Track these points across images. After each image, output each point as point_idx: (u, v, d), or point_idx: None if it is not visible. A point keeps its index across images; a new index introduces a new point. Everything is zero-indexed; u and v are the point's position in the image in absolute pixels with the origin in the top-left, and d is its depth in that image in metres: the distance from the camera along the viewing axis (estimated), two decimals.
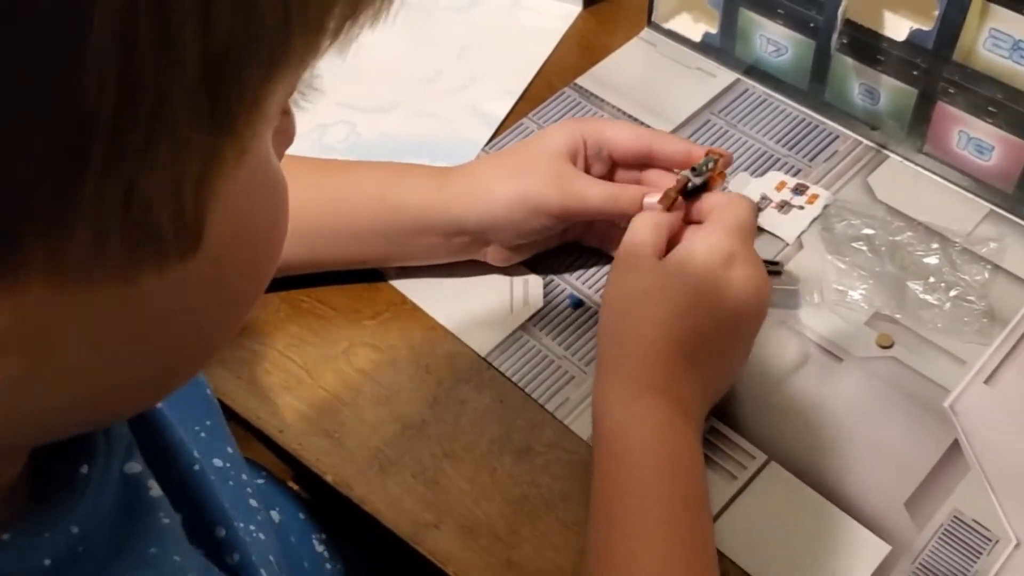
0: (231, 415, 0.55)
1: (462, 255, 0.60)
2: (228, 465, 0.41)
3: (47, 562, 0.27)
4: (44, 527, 0.27)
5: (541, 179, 0.56)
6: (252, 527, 0.39)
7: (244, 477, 0.42)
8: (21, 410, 0.24)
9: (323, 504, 0.56)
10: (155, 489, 0.32)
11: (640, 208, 0.56)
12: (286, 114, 0.29)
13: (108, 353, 0.25)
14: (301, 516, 0.54)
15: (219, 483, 0.37)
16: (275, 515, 0.51)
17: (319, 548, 0.56)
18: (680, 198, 0.56)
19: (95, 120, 0.19)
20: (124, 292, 0.22)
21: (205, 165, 0.21)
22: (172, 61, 0.19)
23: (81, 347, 0.24)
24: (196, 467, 0.36)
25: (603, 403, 0.49)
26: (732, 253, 0.51)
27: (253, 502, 0.42)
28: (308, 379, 0.56)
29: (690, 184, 0.56)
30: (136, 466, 0.32)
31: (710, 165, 0.56)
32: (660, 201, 0.55)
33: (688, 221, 0.57)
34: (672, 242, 0.54)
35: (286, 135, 0.30)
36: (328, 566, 0.55)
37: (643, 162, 0.60)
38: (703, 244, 0.51)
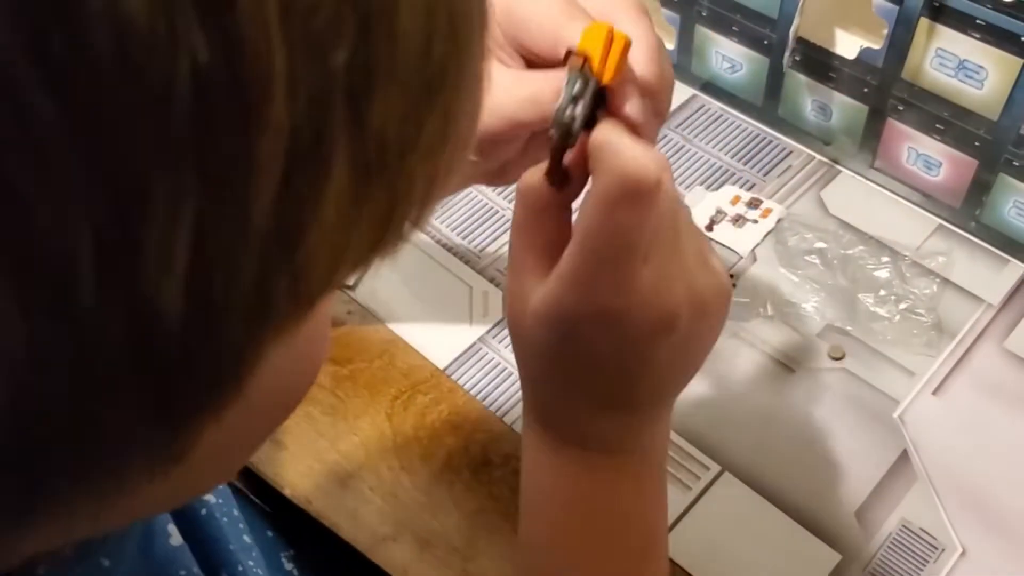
0: None
1: None
2: (220, 501, 0.40)
3: None
4: (77, 561, 0.28)
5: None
6: (251, 562, 0.39)
7: (235, 512, 0.41)
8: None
9: (288, 520, 0.56)
10: (175, 537, 0.32)
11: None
12: None
13: (145, 501, 0.24)
14: (269, 534, 0.54)
15: (219, 521, 0.37)
16: (246, 539, 0.51)
17: (288, 566, 0.56)
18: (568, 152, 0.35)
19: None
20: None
21: (264, 348, 0.19)
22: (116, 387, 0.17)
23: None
24: (203, 511, 0.35)
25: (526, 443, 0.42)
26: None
27: (246, 538, 0.41)
28: None
29: (569, 138, 0.34)
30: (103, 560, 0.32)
31: (577, 87, 0.34)
32: (545, 176, 0.36)
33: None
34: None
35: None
36: None
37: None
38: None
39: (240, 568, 0.36)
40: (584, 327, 0.34)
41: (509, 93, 0.37)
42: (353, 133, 0.17)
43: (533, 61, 0.39)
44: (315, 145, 0.17)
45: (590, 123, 0.34)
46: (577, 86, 0.33)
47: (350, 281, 0.22)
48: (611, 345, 0.34)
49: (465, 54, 0.20)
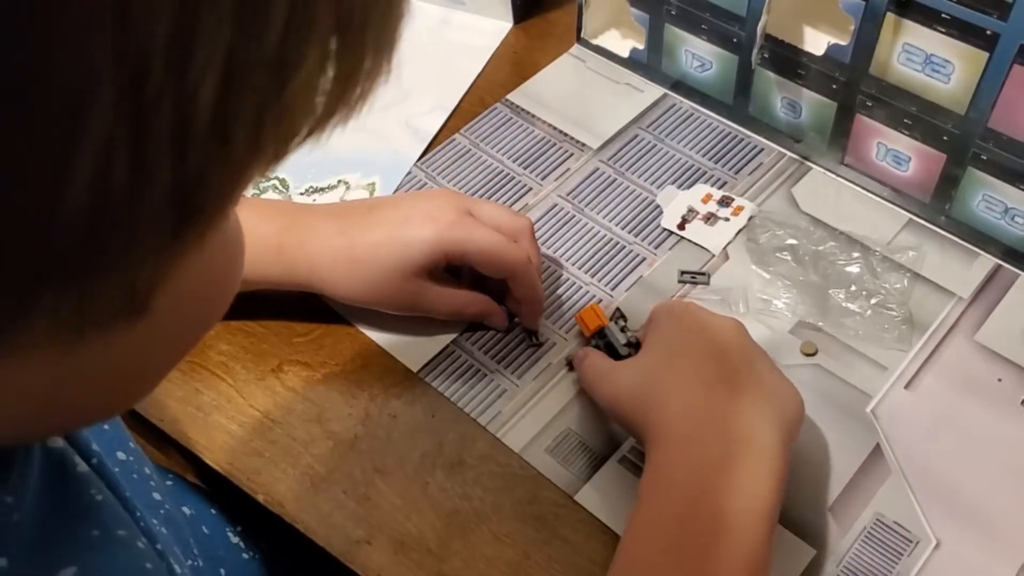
0: (163, 437, 0.54)
1: None
2: (131, 459, 0.41)
3: None
4: None
5: (390, 295, 0.57)
6: (155, 520, 0.39)
7: (147, 471, 0.42)
8: None
9: (237, 504, 0.55)
10: (81, 465, 0.33)
11: (486, 311, 0.59)
12: None
13: (45, 395, 0.26)
14: (212, 511, 0.54)
15: (123, 476, 0.37)
16: (186, 510, 0.51)
17: (234, 539, 0.56)
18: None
19: (64, 246, 0.20)
20: (65, 350, 0.23)
21: (164, 263, 0.22)
22: (143, 190, 0.20)
23: (24, 388, 0.25)
24: (94, 460, 0.35)
25: (649, 455, 0.48)
26: (688, 308, 0.53)
27: (156, 495, 0.42)
28: (238, 398, 0.56)
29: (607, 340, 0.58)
30: (59, 441, 0.33)
31: (604, 334, 0.58)
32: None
33: None
34: None
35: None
36: (245, 555, 0.55)
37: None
38: (668, 316, 0.54)
39: (142, 523, 0.36)
40: None
41: (443, 306, 0.58)
42: None
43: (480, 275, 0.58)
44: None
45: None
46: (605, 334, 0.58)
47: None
48: None
49: None
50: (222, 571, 0.41)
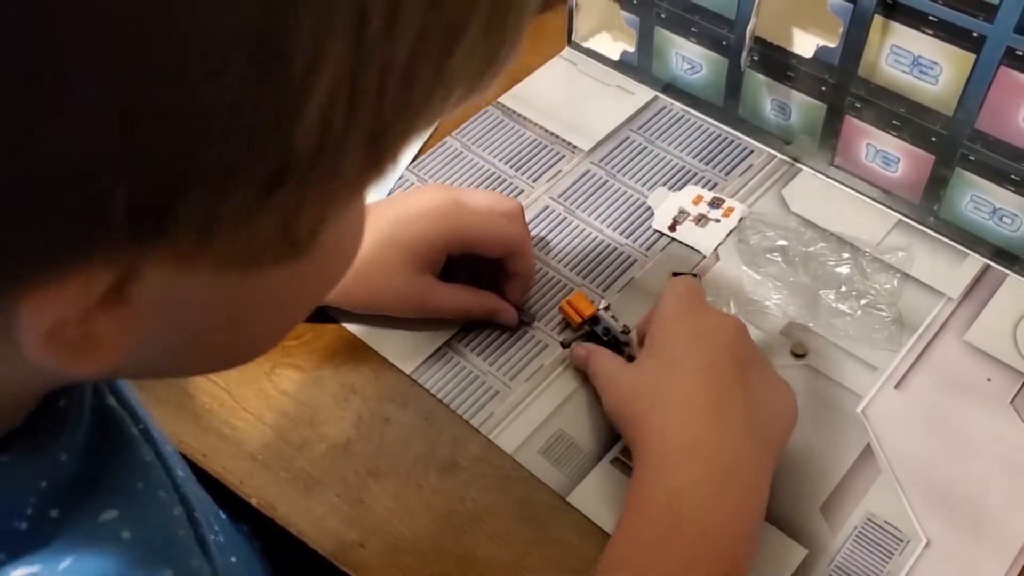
0: None
1: None
2: (184, 475, 0.42)
3: (43, 484, 0.30)
4: (37, 452, 0.31)
5: (399, 297, 0.59)
6: (186, 490, 0.39)
7: (170, 449, 0.43)
8: (121, 365, 0.28)
9: (255, 530, 0.56)
10: (134, 428, 0.35)
11: (495, 308, 0.60)
12: None
13: (205, 327, 0.30)
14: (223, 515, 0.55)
15: (161, 445, 0.39)
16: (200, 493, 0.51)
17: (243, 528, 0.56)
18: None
19: (295, 161, 0.23)
20: (240, 280, 0.27)
21: (349, 195, 0.28)
22: (354, 126, 0.24)
23: (189, 319, 0.28)
24: (141, 425, 0.37)
25: (635, 469, 0.49)
26: (691, 306, 0.54)
27: (180, 472, 0.42)
28: (231, 401, 0.56)
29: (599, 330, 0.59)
30: (112, 400, 0.35)
31: (599, 324, 0.59)
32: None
33: None
34: None
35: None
36: (254, 544, 0.56)
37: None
38: (661, 313, 0.54)
39: (180, 491, 0.37)
40: None
41: (449, 303, 0.60)
42: None
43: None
44: None
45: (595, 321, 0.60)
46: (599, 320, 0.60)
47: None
48: None
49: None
50: (233, 559, 0.41)
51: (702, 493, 0.47)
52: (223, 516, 0.52)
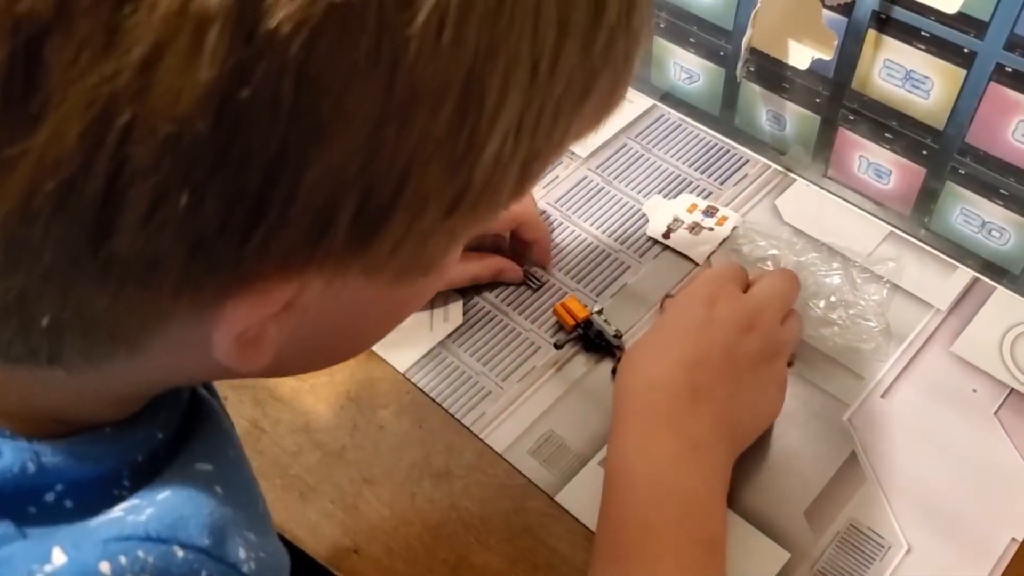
0: None
1: None
2: None
3: (139, 457, 0.33)
4: (136, 429, 0.33)
5: None
6: None
7: None
8: (268, 365, 0.30)
9: None
10: (227, 422, 0.39)
11: (501, 267, 0.64)
12: None
13: (333, 331, 0.33)
14: None
15: None
16: None
17: None
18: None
19: (470, 191, 0.27)
20: (378, 291, 0.30)
21: (465, 232, 0.30)
22: (515, 160, 0.27)
23: (325, 323, 0.31)
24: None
25: (612, 440, 0.52)
26: (711, 294, 0.55)
27: None
28: (227, 408, 0.57)
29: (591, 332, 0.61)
30: (203, 391, 0.38)
31: (594, 326, 0.61)
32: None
33: None
34: None
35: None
36: None
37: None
38: (683, 292, 0.58)
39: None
40: None
41: (459, 275, 0.63)
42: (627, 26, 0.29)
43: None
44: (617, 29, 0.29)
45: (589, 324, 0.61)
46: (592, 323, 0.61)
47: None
48: None
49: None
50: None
51: (680, 466, 0.50)
52: None
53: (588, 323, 0.61)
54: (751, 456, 0.56)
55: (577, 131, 0.31)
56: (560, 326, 0.62)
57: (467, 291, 0.64)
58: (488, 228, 0.62)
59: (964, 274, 0.64)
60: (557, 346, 0.61)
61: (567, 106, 0.28)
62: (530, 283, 0.64)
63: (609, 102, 0.31)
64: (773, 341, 0.55)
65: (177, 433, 0.35)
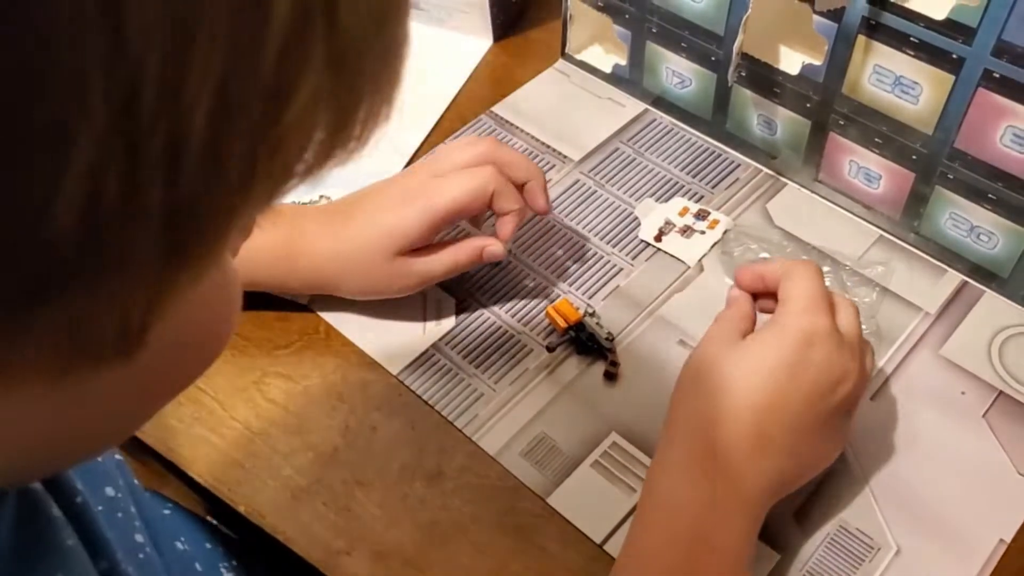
0: (143, 448, 0.56)
1: None
2: (119, 496, 0.41)
3: None
4: None
5: (384, 280, 0.60)
6: (130, 568, 0.38)
7: (132, 510, 0.42)
8: None
9: (237, 536, 0.57)
10: (55, 509, 0.33)
11: (480, 256, 0.60)
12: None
13: (52, 428, 0.26)
14: (208, 545, 0.55)
15: (107, 514, 0.37)
16: (179, 545, 0.52)
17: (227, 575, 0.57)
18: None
19: (56, 263, 0.19)
20: (54, 386, 0.23)
21: (158, 292, 0.22)
22: (136, 216, 0.20)
23: (34, 421, 0.25)
24: (79, 499, 0.35)
25: (658, 459, 0.50)
26: (812, 331, 0.50)
27: (138, 537, 0.41)
28: (220, 410, 0.58)
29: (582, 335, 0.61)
30: (36, 484, 0.33)
31: (586, 328, 0.61)
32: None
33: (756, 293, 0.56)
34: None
35: (245, 231, 0.29)
36: None
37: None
38: (780, 326, 0.50)
39: (115, 563, 0.36)
40: None
41: (437, 267, 0.59)
42: (329, 23, 0.21)
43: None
44: (302, 29, 0.20)
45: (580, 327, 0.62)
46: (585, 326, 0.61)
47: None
48: None
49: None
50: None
51: (716, 509, 0.47)
52: (198, 568, 0.52)
53: (580, 326, 0.61)
54: None
55: (284, 176, 0.23)
56: (552, 329, 0.62)
57: (459, 292, 0.64)
58: (463, 218, 0.60)
59: (953, 278, 0.65)
60: (550, 349, 0.61)
61: (234, 139, 0.21)
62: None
63: (338, 131, 0.23)
64: (857, 397, 0.51)
65: (9, 546, 0.29)
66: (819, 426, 0.49)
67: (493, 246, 0.60)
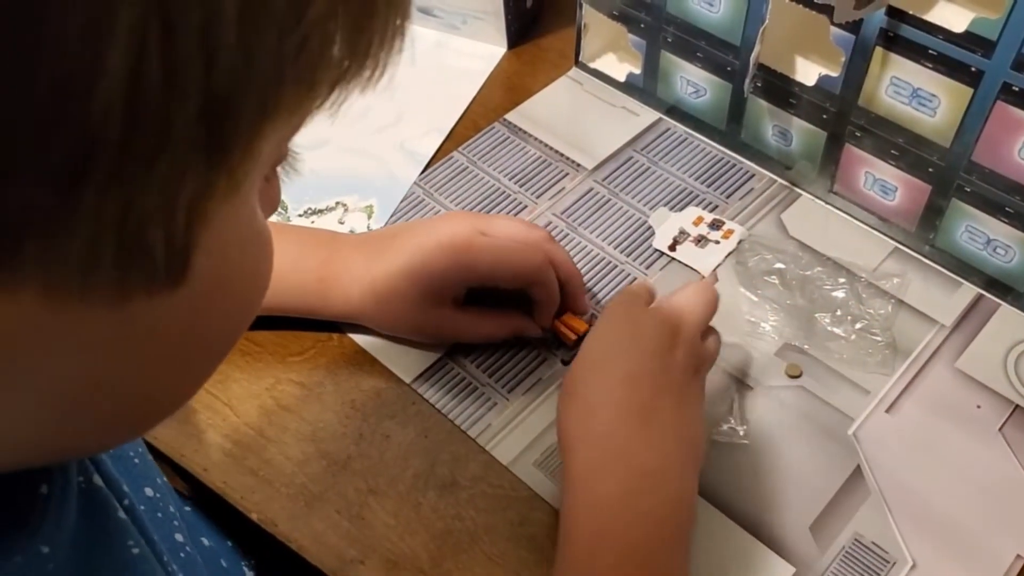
0: (156, 453, 0.55)
1: None
2: (158, 496, 0.41)
3: None
4: (15, 551, 0.28)
5: (415, 326, 0.60)
6: (175, 566, 0.39)
7: (171, 509, 0.42)
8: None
9: (250, 535, 0.57)
10: (120, 511, 0.33)
11: (518, 328, 0.60)
12: (271, 180, 0.31)
13: (86, 381, 0.26)
14: (229, 544, 0.55)
15: (148, 515, 0.37)
16: (205, 541, 0.52)
17: (249, 574, 0.57)
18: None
19: (101, 140, 0.20)
20: (112, 316, 0.24)
21: (199, 192, 0.23)
22: (176, 96, 0.20)
23: (63, 371, 0.25)
24: (126, 502, 0.34)
25: (563, 478, 0.49)
26: (628, 312, 0.53)
27: (179, 536, 0.42)
28: (233, 416, 0.57)
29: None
30: (99, 479, 0.32)
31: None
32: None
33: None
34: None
35: (271, 201, 0.31)
36: None
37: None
38: (599, 321, 0.54)
39: (169, 568, 0.35)
40: None
41: (473, 333, 0.60)
42: None
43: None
44: None
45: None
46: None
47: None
48: None
49: None
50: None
51: (627, 505, 0.46)
52: (224, 564, 0.52)
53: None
54: (756, 469, 0.56)
55: (311, 86, 0.24)
56: (560, 342, 0.62)
57: (474, 302, 0.64)
58: (498, 284, 0.58)
59: (969, 291, 0.64)
60: (564, 363, 0.61)
61: (265, 37, 0.22)
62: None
63: (354, 49, 0.25)
64: (696, 355, 0.53)
65: (71, 546, 0.29)
66: (683, 387, 0.51)
67: (532, 330, 0.61)
